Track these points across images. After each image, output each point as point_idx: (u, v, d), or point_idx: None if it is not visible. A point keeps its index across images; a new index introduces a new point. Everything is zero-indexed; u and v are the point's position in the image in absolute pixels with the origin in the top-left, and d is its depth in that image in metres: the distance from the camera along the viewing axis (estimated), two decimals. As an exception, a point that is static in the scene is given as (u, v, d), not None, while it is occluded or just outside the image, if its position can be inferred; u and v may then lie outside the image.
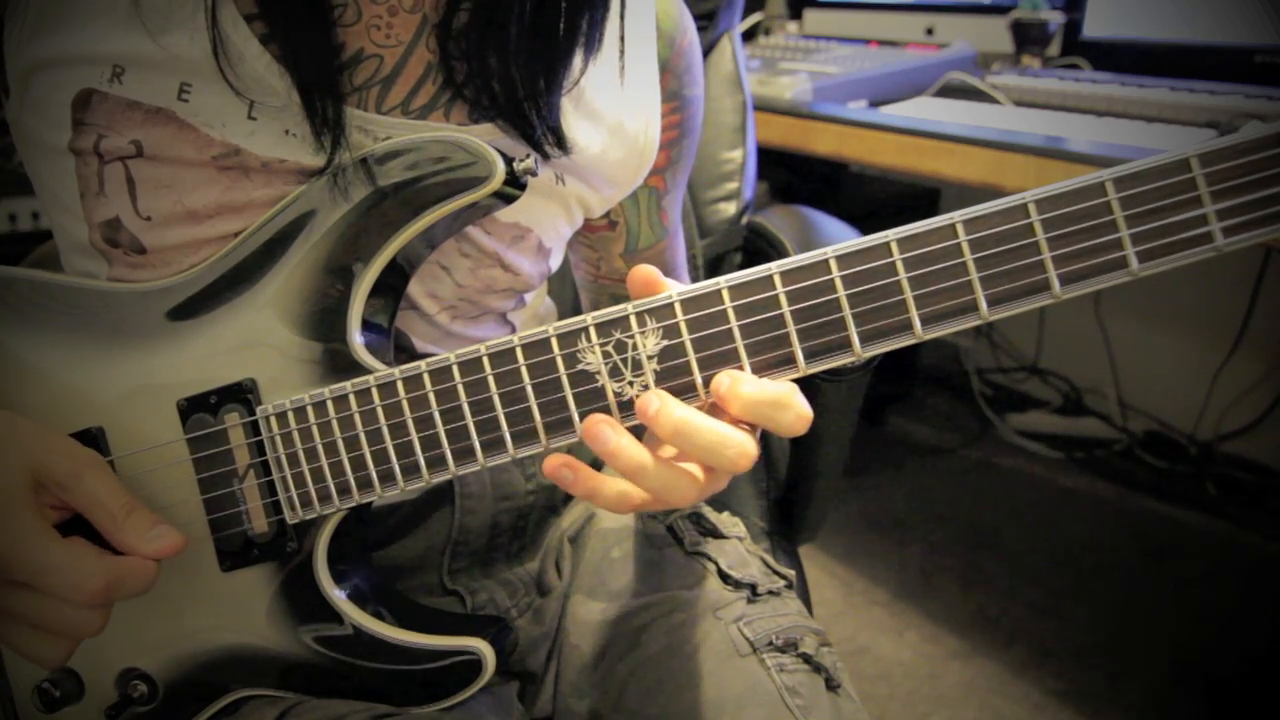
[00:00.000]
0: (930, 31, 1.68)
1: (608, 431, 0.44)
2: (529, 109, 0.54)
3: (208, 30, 0.50)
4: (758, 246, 1.04)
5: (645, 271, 0.46)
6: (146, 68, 0.51)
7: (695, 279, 0.92)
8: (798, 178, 1.78)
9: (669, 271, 0.73)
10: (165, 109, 0.52)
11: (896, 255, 0.43)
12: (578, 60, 0.56)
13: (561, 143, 0.57)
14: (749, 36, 1.84)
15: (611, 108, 0.60)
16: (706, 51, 1.10)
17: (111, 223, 0.54)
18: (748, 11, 1.47)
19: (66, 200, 0.55)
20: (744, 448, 0.44)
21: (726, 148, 1.08)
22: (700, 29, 1.07)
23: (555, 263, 0.66)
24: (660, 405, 0.43)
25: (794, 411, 0.44)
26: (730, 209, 1.06)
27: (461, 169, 0.51)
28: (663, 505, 0.46)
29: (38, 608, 0.46)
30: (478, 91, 0.54)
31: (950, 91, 1.39)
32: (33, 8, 0.52)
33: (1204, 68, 1.28)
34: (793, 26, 1.92)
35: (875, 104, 1.37)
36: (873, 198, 1.99)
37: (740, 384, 0.43)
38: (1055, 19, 1.44)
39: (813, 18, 1.90)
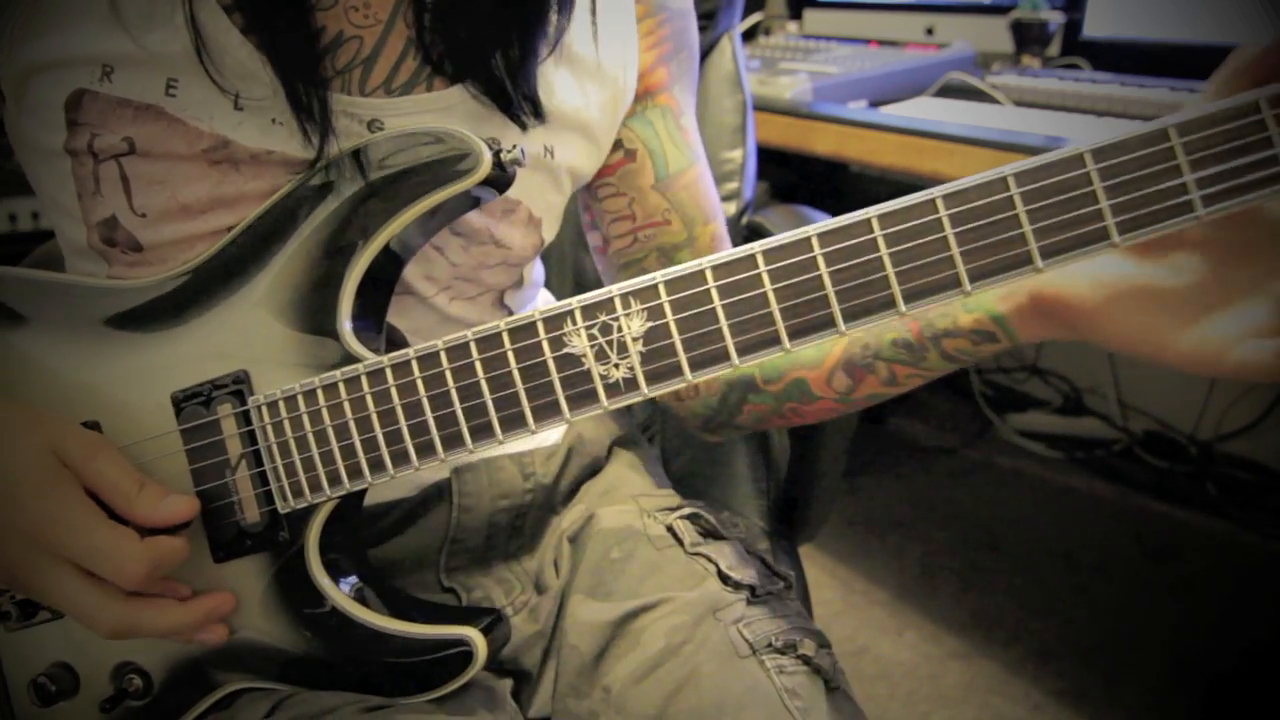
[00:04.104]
0: (930, 31, 1.68)
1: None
2: (503, 77, 0.55)
3: (187, 26, 0.50)
4: (757, 246, 1.04)
5: None
6: (134, 66, 0.52)
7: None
8: (798, 178, 1.78)
9: (712, 209, 0.70)
10: (154, 105, 0.52)
11: (878, 231, 0.44)
12: (553, 19, 0.57)
13: (538, 111, 0.57)
14: (749, 36, 1.84)
15: (588, 51, 0.61)
16: (706, 51, 1.10)
17: (108, 221, 0.55)
18: (748, 11, 1.47)
19: (65, 202, 0.56)
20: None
21: (726, 148, 1.07)
22: (700, 29, 1.07)
23: (549, 234, 0.66)
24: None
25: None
26: (730, 209, 1.06)
27: (449, 160, 0.51)
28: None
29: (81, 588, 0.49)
30: (450, 63, 0.55)
31: (950, 91, 1.39)
32: (20, 13, 0.52)
33: (1204, 68, 1.27)
34: (793, 26, 1.92)
35: (875, 104, 1.37)
36: (873, 198, 1.99)
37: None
38: (1055, 19, 1.44)
39: (813, 18, 1.90)
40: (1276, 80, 0.41)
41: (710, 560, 0.64)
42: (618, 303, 0.46)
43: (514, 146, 0.52)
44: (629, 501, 0.70)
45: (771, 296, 0.45)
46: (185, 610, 0.52)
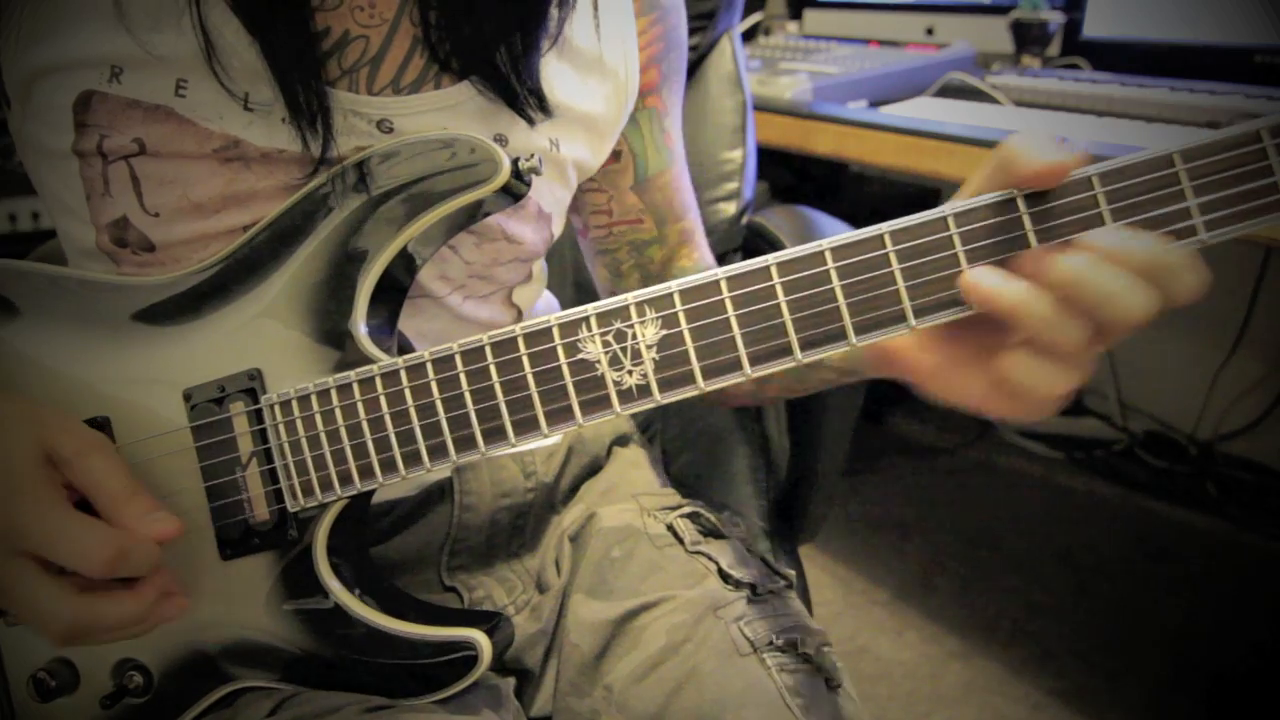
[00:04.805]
0: (930, 31, 1.68)
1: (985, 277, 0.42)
2: (508, 72, 0.55)
3: (195, 29, 0.50)
4: (757, 247, 1.04)
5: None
6: (143, 66, 0.51)
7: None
8: (798, 178, 1.78)
9: (683, 206, 0.73)
10: (164, 106, 0.52)
11: (889, 247, 0.44)
12: (554, 12, 0.57)
13: (543, 105, 0.57)
14: (749, 36, 1.84)
15: (591, 45, 0.61)
16: (706, 51, 1.10)
17: (119, 222, 0.55)
18: (748, 11, 1.47)
19: (72, 204, 0.56)
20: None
21: (726, 148, 1.08)
22: (700, 29, 1.07)
23: (557, 229, 0.67)
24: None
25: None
26: (730, 209, 1.06)
27: (466, 167, 0.51)
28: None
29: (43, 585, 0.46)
30: (457, 59, 0.55)
31: (950, 91, 1.39)
32: (26, 16, 0.52)
33: (1204, 68, 1.28)
34: (793, 26, 1.92)
35: (875, 104, 1.37)
36: (873, 198, 1.99)
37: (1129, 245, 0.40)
38: (1055, 19, 1.44)
39: (813, 18, 1.90)
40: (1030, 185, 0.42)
41: (711, 559, 0.64)
42: (633, 310, 0.47)
43: (532, 155, 0.52)
44: (629, 500, 0.71)
45: (784, 308, 0.45)
46: (135, 595, 0.49)
